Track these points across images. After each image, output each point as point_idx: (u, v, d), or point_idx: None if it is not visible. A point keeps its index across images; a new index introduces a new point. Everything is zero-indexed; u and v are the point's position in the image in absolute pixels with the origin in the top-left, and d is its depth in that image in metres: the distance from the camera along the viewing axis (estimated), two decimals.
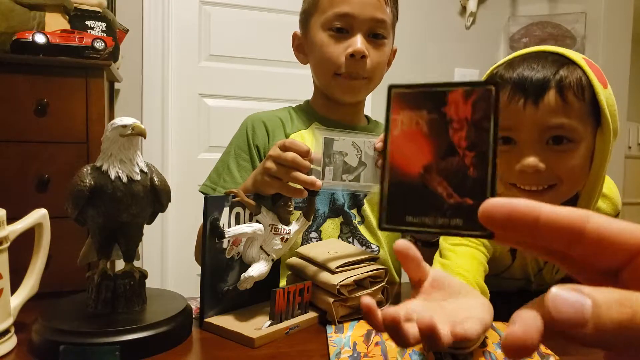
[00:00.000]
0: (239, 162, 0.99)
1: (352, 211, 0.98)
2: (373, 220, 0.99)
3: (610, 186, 0.82)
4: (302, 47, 1.03)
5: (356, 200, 0.99)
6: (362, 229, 0.98)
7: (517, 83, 0.67)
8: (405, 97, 0.33)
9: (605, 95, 0.67)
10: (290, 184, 0.70)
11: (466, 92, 0.31)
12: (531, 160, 0.67)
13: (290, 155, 0.68)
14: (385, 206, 0.32)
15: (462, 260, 0.72)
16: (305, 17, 1.00)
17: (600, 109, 0.67)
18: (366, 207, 0.99)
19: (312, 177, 0.69)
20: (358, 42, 0.92)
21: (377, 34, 0.95)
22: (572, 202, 0.75)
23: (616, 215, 0.86)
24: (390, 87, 0.34)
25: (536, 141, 0.67)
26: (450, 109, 0.32)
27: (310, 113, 1.05)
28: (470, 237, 0.68)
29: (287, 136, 0.99)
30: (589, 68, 0.67)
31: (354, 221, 0.98)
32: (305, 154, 0.69)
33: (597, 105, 0.67)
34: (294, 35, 1.04)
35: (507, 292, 0.85)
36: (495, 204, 0.24)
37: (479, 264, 0.72)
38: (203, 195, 0.99)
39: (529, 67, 0.67)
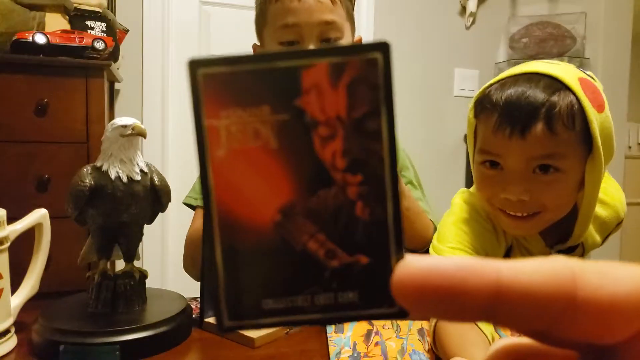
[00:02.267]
0: None
1: None
2: None
3: (612, 191, 0.80)
4: None
5: None
6: None
7: (505, 111, 0.65)
8: (226, 83, 0.18)
9: (600, 120, 0.65)
10: None
11: (333, 69, 0.18)
12: (515, 191, 0.66)
13: None
14: (223, 290, 0.19)
15: None
16: (259, 29, 0.98)
17: (593, 135, 0.65)
18: None
19: None
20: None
21: (329, 38, 0.91)
22: (570, 222, 0.75)
23: (618, 224, 0.85)
24: (194, 65, 0.18)
25: (523, 170, 0.66)
26: (310, 102, 0.18)
27: None
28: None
29: None
30: (583, 92, 0.65)
31: None
32: None
33: (589, 131, 0.64)
34: (254, 47, 1.02)
35: None
36: (416, 269, 0.14)
37: None
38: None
39: (519, 93, 0.65)
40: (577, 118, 0.63)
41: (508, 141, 0.64)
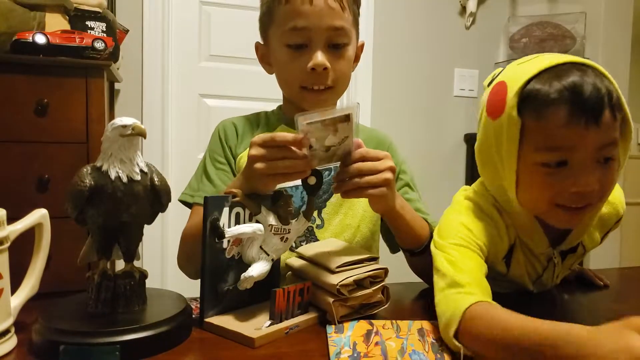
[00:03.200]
0: (216, 165, 0.98)
1: None
2: (335, 225, 0.96)
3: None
4: (267, 57, 1.00)
5: (317, 203, 0.95)
6: (320, 234, 0.95)
7: (576, 102, 0.63)
8: None
9: None
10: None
11: None
12: (590, 181, 0.65)
13: (282, 150, 0.69)
14: None
15: (466, 260, 0.71)
16: (264, 28, 0.97)
17: (626, 118, 0.66)
18: (328, 211, 0.96)
19: (306, 158, 0.69)
20: (318, 56, 0.89)
21: (337, 44, 0.91)
22: None
23: (618, 220, 0.85)
24: None
25: (592, 160, 0.65)
26: None
27: (280, 117, 1.04)
28: None
29: None
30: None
31: (310, 224, 0.94)
32: (294, 143, 0.68)
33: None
34: (257, 46, 1.01)
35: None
36: None
37: (481, 265, 0.72)
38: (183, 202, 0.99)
39: (582, 82, 0.63)
40: (621, 103, 0.65)
41: (584, 131, 0.63)
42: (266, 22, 0.96)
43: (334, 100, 0.98)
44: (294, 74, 0.92)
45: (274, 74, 1.01)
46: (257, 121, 1.04)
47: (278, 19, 0.92)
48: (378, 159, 0.74)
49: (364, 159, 0.73)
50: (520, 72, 0.68)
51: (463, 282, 0.66)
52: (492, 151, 0.71)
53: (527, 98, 0.66)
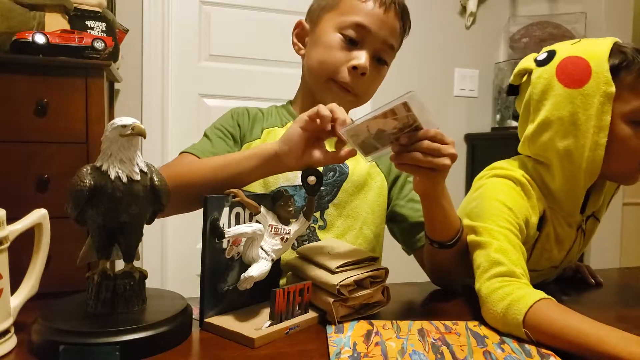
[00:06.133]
0: (218, 133, 0.96)
1: (315, 214, 0.94)
2: (337, 227, 0.95)
3: None
4: (303, 37, 1.01)
5: (320, 203, 0.95)
6: (321, 234, 0.94)
7: None
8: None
9: None
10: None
11: None
12: None
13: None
14: None
15: (515, 249, 0.77)
16: (320, 11, 0.98)
17: None
18: (331, 212, 0.95)
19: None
20: (363, 57, 0.91)
21: (381, 58, 0.95)
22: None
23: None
24: None
25: None
26: None
27: (289, 113, 1.04)
28: None
29: (262, 130, 0.99)
30: None
31: (312, 225, 0.94)
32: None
33: None
34: (299, 23, 1.02)
35: None
36: None
37: (524, 252, 0.78)
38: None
39: None
40: None
41: None
42: (327, 7, 0.96)
43: (350, 107, 0.97)
44: (334, 62, 0.93)
45: (300, 56, 1.02)
46: (268, 114, 1.04)
47: (344, 7, 0.93)
48: (444, 143, 0.72)
49: (433, 139, 0.71)
50: (590, 49, 0.80)
51: (518, 273, 0.73)
52: (576, 117, 0.79)
53: (627, 69, 0.79)
